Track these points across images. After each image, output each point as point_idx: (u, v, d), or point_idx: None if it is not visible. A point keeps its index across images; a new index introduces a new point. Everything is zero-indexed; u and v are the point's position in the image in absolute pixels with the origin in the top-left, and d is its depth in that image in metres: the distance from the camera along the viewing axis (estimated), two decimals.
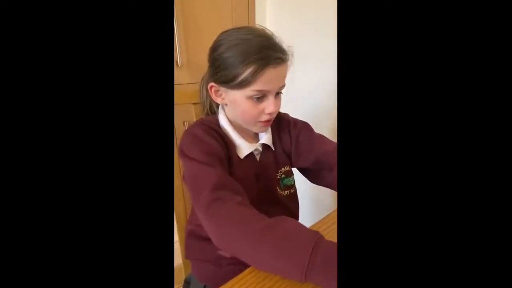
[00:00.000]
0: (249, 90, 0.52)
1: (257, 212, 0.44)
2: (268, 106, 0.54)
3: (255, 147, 0.62)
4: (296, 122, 0.68)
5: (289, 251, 0.38)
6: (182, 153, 0.53)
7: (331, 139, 0.66)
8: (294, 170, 0.70)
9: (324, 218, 0.59)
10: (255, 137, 0.65)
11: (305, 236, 0.40)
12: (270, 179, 0.64)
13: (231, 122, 0.60)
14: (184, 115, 0.74)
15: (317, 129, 0.68)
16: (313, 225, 0.56)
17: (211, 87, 0.57)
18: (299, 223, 0.43)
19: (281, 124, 0.67)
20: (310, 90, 1.13)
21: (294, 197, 0.69)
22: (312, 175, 0.68)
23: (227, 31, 0.54)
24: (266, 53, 0.49)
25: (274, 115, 0.58)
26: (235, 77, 0.51)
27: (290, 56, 0.54)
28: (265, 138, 0.63)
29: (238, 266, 0.44)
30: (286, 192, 0.67)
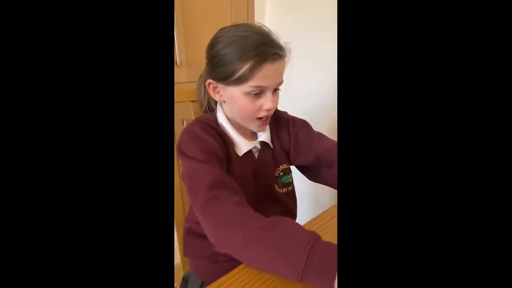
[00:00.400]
0: (247, 86, 0.52)
1: (254, 212, 0.44)
2: (266, 102, 0.54)
3: (253, 145, 0.62)
4: (294, 120, 0.68)
5: (286, 252, 0.38)
6: (180, 151, 0.53)
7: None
8: (292, 168, 0.70)
9: (322, 213, 0.59)
10: (254, 134, 0.65)
11: (302, 236, 0.40)
12: (268, 177, 0.64)
13: (229, 119, 0.60)
14: (183, 113, 0.74)
15: (316, 129, 0.68)
16: (311, 221, 0.56)
17: (209, 84, 0.57)
18: (296, 223, 0.43)
19: (280, 122, 0.67)
20: (309, 90, 1.13)
21: (292, 195, 0.69)
22: (311, 173, 0.68)
23: (224, 28, 0.54)
24: (264, 49, 0.50)
25: (272, 112, 0.58)
26: (232, 73, 0.51)
27: (287, 53, 0.54)
28: (264, 135, 0.63)
29: (235, 262, 0.44)
30: (284, 190, 0.67)
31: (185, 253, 0.67)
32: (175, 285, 0.93)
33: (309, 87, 1.13)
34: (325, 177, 0.65)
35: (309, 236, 0.39)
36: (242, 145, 0.60)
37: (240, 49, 0.50)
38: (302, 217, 0.70)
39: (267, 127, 0.65)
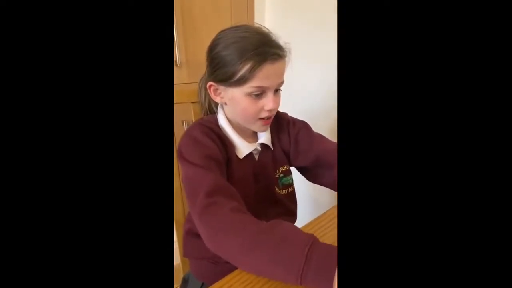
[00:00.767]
0: (248, 87, 0.52)
1: (251, 217, 0.44)
2: (268, 103, 0.54)
3: (254, 147, 0.62)
4: (295, 121, 0.68)
5: (284, 255, 0.38)
6: (181, 155, 0.53)
7: (330, 139, 0.66)
8: (292, 170, 0.70)
9: (322, 215, 0.59)
10: (254, 136, 0.65)
11: (299, 239, 0.39)
12: (269, 178, 0.64)
13: (230, 121, 0.60)
14: (183, 115, 0.75)
15: (315, 129, 0.68)
16: (311, 222, 0.56)
17: (210, 86, 0.57)
18: (294, 226, 0.43)
19: (280, 123, 0.67)
20: (309, 90, 1.13)
21: (292, 196, 0.69)
22: (311, 174, 0.68)
23: (224, 30, 0.54)
24: (263, 49, 0.50)
25: (274, 112, 0.58)
26: (233, 74, 0.51)
27: (287, 53, 0.54)
28: (264, 137, 0.63)
29: (235, 265, 0.44)
30: (285, 191, 0.67)
31: (185, 254, 0.67)
32: (175, 286, 0.93)
33: (309, 87, 1.13)
34: (324, 178, 0.65)
35: (307, 239, 0.39)
36: (243, 148, 0.60)
37: (240, 50, 0.50)
38: (302, 218, 0.70)
39: (268, 128, 0.64)
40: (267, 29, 0.54)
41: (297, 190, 0.71)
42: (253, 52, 0.49)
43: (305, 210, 0.72)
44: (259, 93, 0.53)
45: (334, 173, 0.60)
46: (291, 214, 0.69)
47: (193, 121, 0.73)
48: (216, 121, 0.61)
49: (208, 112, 0.66)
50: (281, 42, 0.54)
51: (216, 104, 0.63)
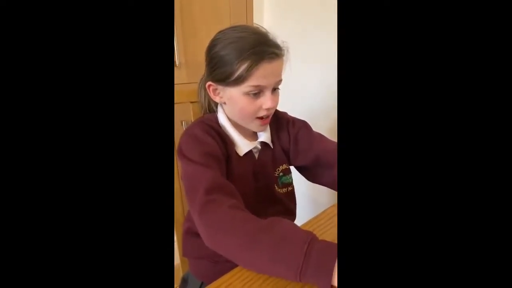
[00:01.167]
0: (245, 86, 0.52)
1: (250, 215, 0.44)
2: (266, 102, 0.55)
3: (254, 145, 0.62)
4: (294, 120, 0.69)
5: (283, 252, 0.38)
6: (181, 153, 0.54)
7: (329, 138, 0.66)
8: (292, 169, 0.71)
9: (321, 213, 0.59)
10: (254, 135, 0.65)
11: (298, 236, 0.40)
12: (268, 177, 0.64)
13: (230, 120, 0.61)
14: (182, 115, 0.75)
15: (315, 129, 0.68)
16: (310, 221, 0.57)
17: (209, 85, 0.58)
18: (293, 224, 0.43)
19: (280, 122, 0.68)
20: (308, 91, 1.13)
21: (291, 195, 0.70)
22: (310, 174, 0.69)
23: (223, 30, 0.55)
24: (260, 48, 0.50)
25: (272, 111, 0.59)
26: (231, 73, 0.52)
27: (285, 51, 0.55)
28: (264, 136, 0.64)
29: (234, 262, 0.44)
30: (284, 190, 0.67)
31: (184, 253, 0.67)
32: (175, 286, 0.93)
33: (308, 88, 1.13)
34: (324, 178, 0.65)
35: (306, 236, 0.40)
36: (243, 145, 0.61)
37: (237, 49, 0.51)
38: (301, 217, 0.70)
39: (268, 127, 0.65)
40: (264, 29, 0.55)
41: (296, 190, 0.71)
42: (250, 51, 0.50)
43: (304, 210, 0.72)
44: (257, 92, 0.54)
45: (334, 173, 0.60)
46: (291, 213, 0.69)
47: (192, 121, 0.73)
48: (216, 119, 0.62)
49: (208, 112, 0.66)
50: (279, 41, 0.54)
51: (216, 104, 0.64)
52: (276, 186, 0.66)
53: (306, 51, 1.06)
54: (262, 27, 0.55)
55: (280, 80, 0.56)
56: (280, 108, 0.66)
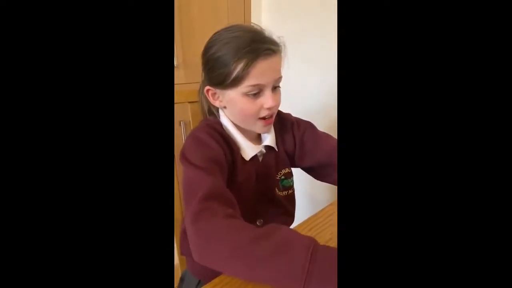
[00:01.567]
0: (244, 87, 0.51)
1: (246, 224, 0.42)
2: (266, 101, 0.53)
3: (259, 149, 0.61)
4: (299, 122, 0.68)
5: (284, 261, 0.36)
6: (183, 156, 0.52)
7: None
8: (294, 170, 0.71)
9: (319, 212, 0.59)
10: (259, 138, 0.64)
11: (299, 244, 0.37)
12: (270, 180, 0.64)
13: (234, 124, 0.60)
14: (181, 115, 0.75)
15: None
16: (307, 220, 0.57)
17: (208, 90, 0.57)
18: (291, 230, 0.41)
19: (284, 125, 0.67)
20: (306, 91, 1.13)
21: (291, 198, 0.69)
22: (318, 174, 0.68)
23: (217, 32, 0.54)
24: (255, 46, 0.49)
25: (275, 111, 0.57)
26: (228, 75, 0.51)
27: (282, 47, 0.54)
28: (269, 139, 0.63)
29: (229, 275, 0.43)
30: (284, 193, 0.67)
31: (182, 252, 0.67)
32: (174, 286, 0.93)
33: (306, 88, 1.13)
34: (332, 177, 0.65)
35: (307, 242, 0.37)
36: (248, 149, 0.60)
37: (232, 49, 0.50)
38: (299, 215, 0.70)
39: (272, 130, 0.64)
40: (259, 26, 0.54)
41: (295, 188, 0.71)
42: (245, 49, 0.49)
43: (302, 208, 0.72)
44: (256, 92, 0.53)
45: None
46: (289, 215, 0.69)
47: (191, 121, 0.73)
48: (220, 123, 0.60)
49: (208, 115, 0.65)
50: (275, 37, 0.53)
51: (217, 109, 0.62)
52: (276, 189, 0.65)
53: (304, 51, 1.06)
54: (257, 25, 0.54)
55: (280, 78, 0.55)
56: (279, 108, 0.66)
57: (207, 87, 0.56)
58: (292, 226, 0.61)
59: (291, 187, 0.68)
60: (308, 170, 0.70)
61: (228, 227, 0.40)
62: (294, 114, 0.71)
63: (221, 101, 0.57)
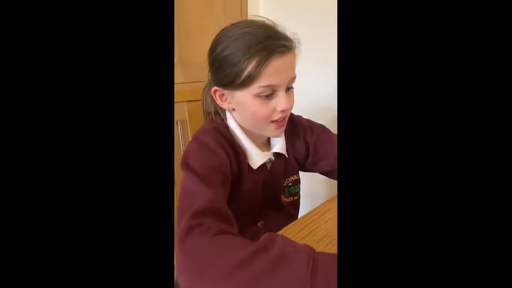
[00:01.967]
0: (256, 87, 0.47)
1: (240, 240, 0.38)
2: (280, 103, 0.49)
3: (268, 157, 0.58)
4: (312, 126, 0.64)
5: (285, 276, 0.33)
6: (185, 162, 0.47)
7: None
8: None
9: (313, 210, 0.60)
10: (268, 144, 0.61)
11: (298, 255, 0.34)
12: (277, 187, 0.62)
13: (242, 128, 0.55)
14: (177, 115, 0.75)
15: None
16: (302, 218, 0.58)
17: (215, 91, 0.52)
18: (287, 240, 0.38)
19: (296, 130, 0.63)
20: (304, 89, 1.13)
21: (296, 203, 0.68)
22: (334, 176, 0.65)
23: (224, 28, 0.50)
24: (269, 42, 0.45)
25: (288, 113, 0.53)
26: (238, 75, 0.46)
27: (296, 44, 0.50)
28: (278, 146, 0.59)
29: None
30: (290, 199, 0.66)
31: None
32: None
33: (304, 86, 1.13)
34: None
35: (306, 252, 0.35)
36: (257, 157, 0.56)
37: (242, 47, 0.45)
38: (300, 212, 0.72)
39: (283, 135, 0.60)
40: (271, 21, 0.49)
41: None
42: (257, 47, 0.44)
43: (301, 205, 0.73)
44: (269, 93, 0.48)
45: None
46: (291, 219, 0.67)
47: (187, 121, 0.74)
48: (227, 127, 0.56)
49: (214, 117, 0.60)
50: (288, 33, 0.49)
51: (224, 111, 0.57)
52: (283, 196, 0.64)
53: (303, 49, 1.06)
54: (268, 19, 0.49)
55: (294, 77, 0.50)
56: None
57: (215, 88, 0.52)
58: None
59: (297, 193, 0.66)
60: (326, 174, 0.66)
61: (218, 245, 0.37)
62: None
63: (229, 103, 0.53)
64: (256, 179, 0.57)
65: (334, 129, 0.71)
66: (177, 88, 0.72)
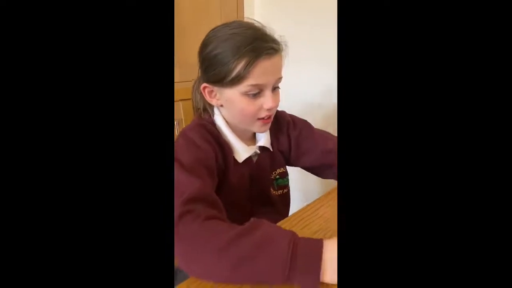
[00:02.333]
0: (244, 86, 0.50)
1: (228, 224, 0.41)
2: (266, 102, 0.52)
3: (253, 150, 0.61)
4: (295, 121, 0.67)
5: (266, 257, 0.36)
6: (174, 156, 0.51)
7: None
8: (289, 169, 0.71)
9: (305, 207, 0.60)
10: (253, 138, 0.64)
11: (279, 238, 0.37)
12: (265, 180, 0.64)
13: (228, 124, 0.58)
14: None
15: None
16: (294, 214, 0.58)
17: (204, 88, 0.55)
18: (271, 225, 0.41)
19: (279, 124, 0.66)
20: (301, 89, 1.12)
21: (286, 197, 0.70)
22: (317, 172, 0.69)
23: (215, 28, 0.53)
24: (257, 44, 0.48)
25: (274, 111, 0.56)
26: (227, 73, 0.49)
27: (283, 46, 0.53)
28: (263, 140, 0.62)
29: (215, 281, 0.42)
30: (280, 192, 0.67)
31: None
32: None
33: (301, 86, 1.12)
34: (330, 175, 0.66)
35: (287, 236, 0.38)
36: (242, 151, 0.59)
37: (232, 47, 0.48)
38: (291, 208, 0.72)
39: (268, 128, 0.63)
40: (259, 23, 0.52)
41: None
42: (247, 48, 0.47)
43: (294, 201, 0.74)
44: (256, 92, 0.51)
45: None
46: (282, 215, 0.69)
47: (183, 119, 0.75)
48: (213, 122, 0.59)
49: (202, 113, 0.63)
50: (276, 36, 0.52)
51: (212, 106, 0.60)
52: (271, 189, 0.65)
53: (300, 49, 1.06)
54: (257, 21, 0.52)
55: (280, 78, 0.54)
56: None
57: (204, 84, 0.55)
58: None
59: (286, 186, 0.68)
60: (308, 169, 0.69)
61: (208, 230, 0.40)
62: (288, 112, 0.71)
63: (218, 99, 0.56)
64: (241, 172, 0.60)
65: (325, 126, 0.73)
66: None
